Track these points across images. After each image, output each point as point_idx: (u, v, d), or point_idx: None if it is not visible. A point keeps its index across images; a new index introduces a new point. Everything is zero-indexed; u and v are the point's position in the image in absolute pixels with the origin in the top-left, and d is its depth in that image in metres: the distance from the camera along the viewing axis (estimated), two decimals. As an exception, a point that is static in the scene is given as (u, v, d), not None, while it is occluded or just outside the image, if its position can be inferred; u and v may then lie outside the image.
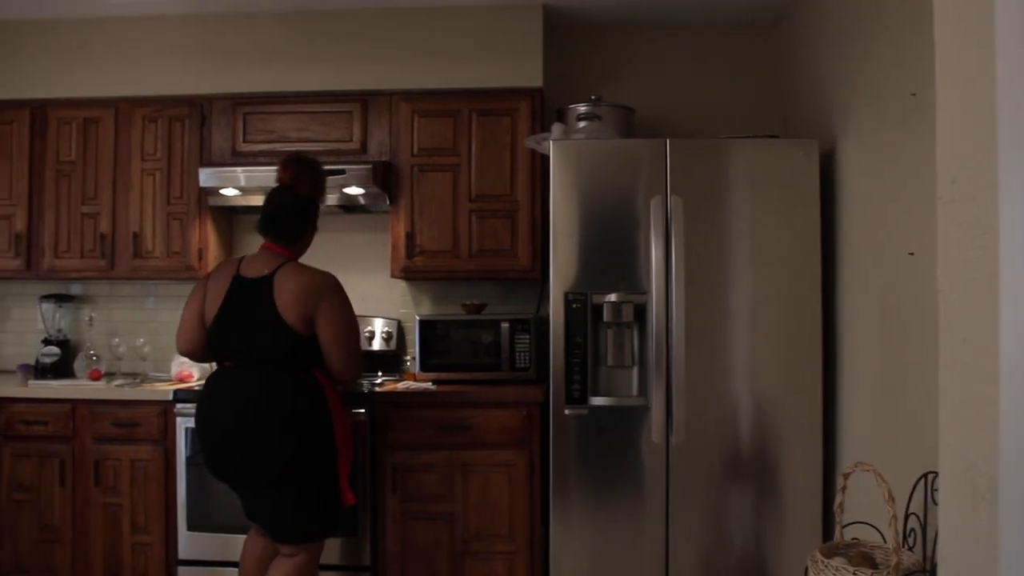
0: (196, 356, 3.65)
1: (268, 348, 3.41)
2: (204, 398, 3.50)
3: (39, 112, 4.76)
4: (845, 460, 3.70)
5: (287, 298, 3.41)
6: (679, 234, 3.78)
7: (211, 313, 3.52)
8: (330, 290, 3.49)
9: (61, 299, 4.98)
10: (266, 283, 3.45)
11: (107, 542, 4.28)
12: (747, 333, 3.80)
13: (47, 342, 4.86)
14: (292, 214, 3.60)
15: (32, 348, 5.00)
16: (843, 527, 2.84)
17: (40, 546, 4.33)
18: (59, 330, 4.95)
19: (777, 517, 3.77)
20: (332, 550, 4.13)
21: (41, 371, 4.75)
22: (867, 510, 3.03)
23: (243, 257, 3.63)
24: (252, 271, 3.52)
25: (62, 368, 4.79)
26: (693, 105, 4.90)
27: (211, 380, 3.53)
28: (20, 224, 4.75)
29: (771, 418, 3.78)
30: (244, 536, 4.08)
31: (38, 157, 4.76)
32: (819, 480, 3.77)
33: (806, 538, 3.72)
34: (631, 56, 4.98)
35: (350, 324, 3.53)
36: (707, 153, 3.84)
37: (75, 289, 5.12)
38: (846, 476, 2.77)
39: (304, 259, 3.70)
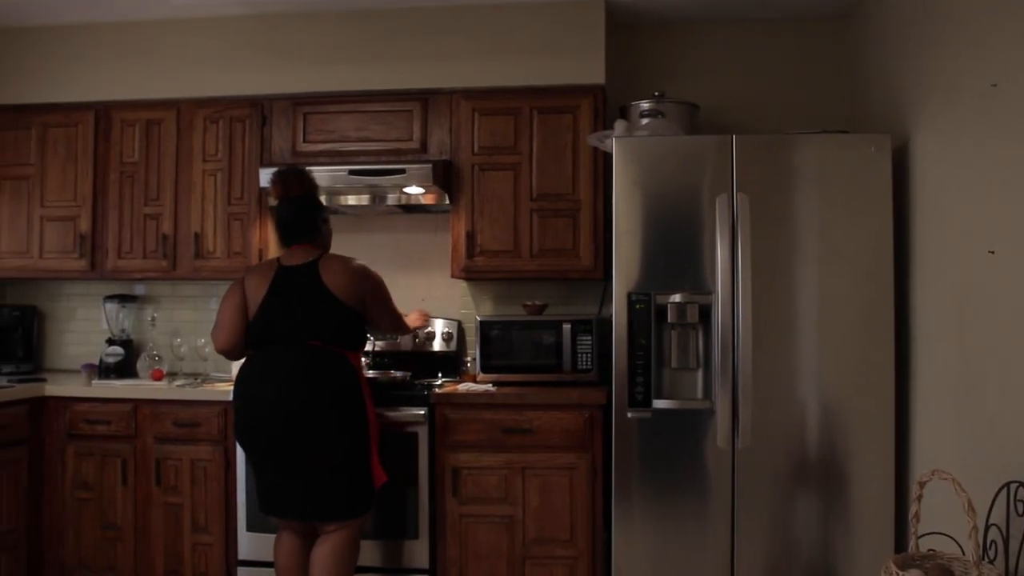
0: (235, 353, 3.79)
1: (317, 322, 3.62)
2: (244, 376, 3.66)
3: (103, 114, 4.80)
4: (919, 467, 3.57)
5: (336, 278, 3.67)
6: (745, 233, 3.68)
7: (255, 303, 3.69)
8: (371, 274, 3.81)
9: (124, 299, 5.02)
10: (312, 266, 3.69)
11: (168, 541, 4.30)
12: (815, 334, 3.69)
13: (111, 342, 4.89)
14: (300, 213, 3.83)
15: (96, 348, 5.03)
16: (918, 537, 2.72)
17: (103, 544, 4.36)
18: (123, 330, 4.99)
19: (847, 525, 3.65)
20: (390, 552, 4.10)
21: (105, 371, 4.79)
22: (944, 520, 2.90)
23: (278, 258, 3.81)
24: (294, 261, 3.74)
25: (125, 368, 4.82)
26: (759, 101, 4.78)
27: (252, 360, 3.68)
28: (85, 225, 4.79)
29: (841, 422, 3.67)
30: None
31: (102, 159, 4.80)
32: (891, 487, 3.64)
33: (878, 548, 3.60)
34: (695, 51, 4.88)
35: (389, 295, 3.91)
36: (774, 149, 3.73)
37: (139, 290, 5.16)
38: (922, 484, 2.66)
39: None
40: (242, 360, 3.77)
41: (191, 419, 4.28)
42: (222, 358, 4.83)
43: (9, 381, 4.52)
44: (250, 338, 3.70)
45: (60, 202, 4.82)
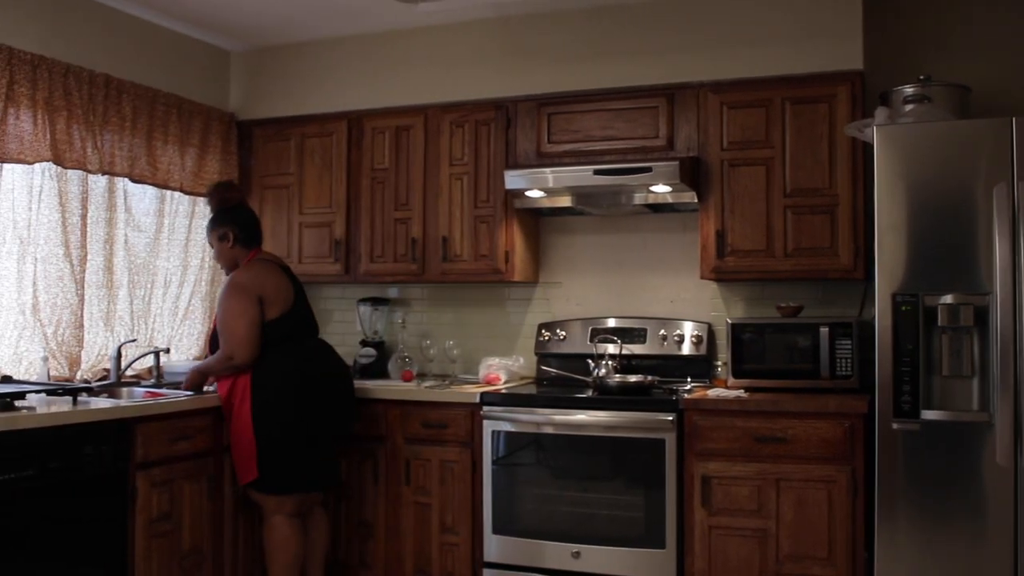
0: (255, 358, 4.04)
1: None
2: (309, 358, 4.13)
3: (355, 123, 4.96)
4: None
5: None
6: (1028, 226, 3.32)
7: (284, 301, 4.11)
8: None
9: (377, 302, 5.16)
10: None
11: (417, 540, 4.37)
12: (1114, 340, 3.28)
13: (364, 343, 5.04)
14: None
15: (352, 349, 5.18)
16: None
17: (355, 540, 4.48)
18: (375, 332, 5.13)
19: None
20: (635, 561, 4.00)
21: (359, 372, 4.94)
22: None
23: (263, 258, 4.25)
24: (280, 262, 4.33)
25: (378, 369, 4.96)
26: (1043, 80, 4.32)
27: (307, 348, 4.18)
28: (339, 231, 4.96)
29: None
30: (550, 543, 4.08)
31: (355, 166, 4.96)
32: None
33: None
34: (964, 28, 4.44)
35: None
36: (1062, 132, 3.35)
37: (392, 292, 5.29)
38: None
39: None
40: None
41: (440, 420, 4.34)
42: (469, 359, 4.92)
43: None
44: (276, 332, 4.06)
45: (317, 209, 5.02)
